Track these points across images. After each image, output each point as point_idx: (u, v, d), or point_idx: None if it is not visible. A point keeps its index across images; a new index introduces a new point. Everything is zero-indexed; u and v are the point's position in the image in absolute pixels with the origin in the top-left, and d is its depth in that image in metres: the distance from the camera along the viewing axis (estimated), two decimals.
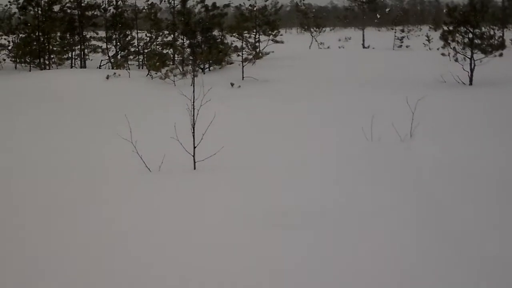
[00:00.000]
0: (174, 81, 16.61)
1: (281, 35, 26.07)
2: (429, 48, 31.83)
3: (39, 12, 20.65)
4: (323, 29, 44.63)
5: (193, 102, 7.98)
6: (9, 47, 21.16)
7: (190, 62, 19.70)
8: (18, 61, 21.04)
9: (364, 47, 36.20)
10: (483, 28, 17.97)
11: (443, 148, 8.73)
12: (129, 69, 19.77)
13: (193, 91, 7.94)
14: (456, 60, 17.14)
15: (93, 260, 4.89)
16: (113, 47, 22.65)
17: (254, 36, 24.86)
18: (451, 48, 17.53)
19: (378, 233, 5.42)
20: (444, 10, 19.89)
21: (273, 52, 22.46)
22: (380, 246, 5.12)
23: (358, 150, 8.74)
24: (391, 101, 12.80)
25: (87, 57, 22.54)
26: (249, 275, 4.60)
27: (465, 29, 17.03)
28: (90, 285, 4.45)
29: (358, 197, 6.50)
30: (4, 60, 20.99)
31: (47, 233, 5.53)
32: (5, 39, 21.46)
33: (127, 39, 22.66)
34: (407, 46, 34.17)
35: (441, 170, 7.54)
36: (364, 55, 23.42)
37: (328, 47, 35.93)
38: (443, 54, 19.21)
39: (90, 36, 22.62)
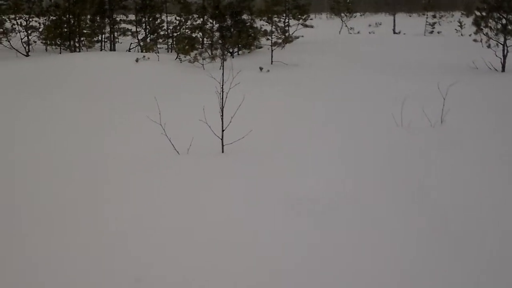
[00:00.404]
0: (203, 65, 16.59)
1: (311, 19, 25.84)
2: (461, 34, 31.40)
3: None
4: (353, 14, 44.24)
5: (222, 85, 7.94)
6: (40, 29, 21.27)
7: (219, 45, 19.65)
8: (48, 43, 21.16)
9: (394, 32, 35.83)
10: None
11: (474, 134, 8.59)
12: (158, 52, 19.73)
13: (222, 74, 7.90)
14: (489, 46, 16.85)
15: (136, 223, 4.92)
16: (142, 30, 22.67)
17: (283, 20, 24.68)
18: (483, 34, 17.24)
19: (407, 218, 5.36)
20: None
21: (302, 36, 22.25)
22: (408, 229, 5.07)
23: (388, 135, 8.64)
24: (422, 87, 12.65)
25: (117, 40, 22.60)
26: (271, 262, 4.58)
27: (498, 14, 16.71)
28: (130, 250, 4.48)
29: (387, 183, 6.43)
30: (35, 42, 21.11)
31: (93, 199, 5.57)
32: (36, 21, 21.58)
33: (156, 22, 22.67)
34: (438, 32, 33.72)
35: (471, 156, 7.42)
36: (395, 41, 23.12)
37: (358, 32, 35.64)
38: (475, 40, 18.92)
39: (120, 19, 22.68)
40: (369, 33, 36.27)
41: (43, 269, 4.51)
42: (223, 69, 8.17)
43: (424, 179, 6.55)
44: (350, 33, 35.62)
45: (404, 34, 33.22)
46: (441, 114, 9.30)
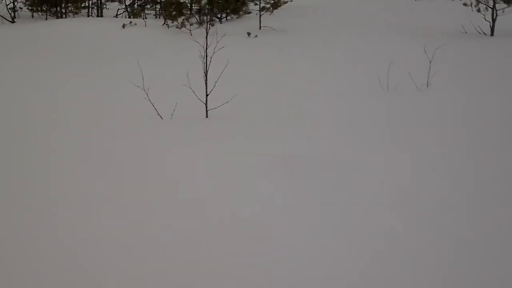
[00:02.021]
0: (190, 31, 16.40)
1: None
2: None
3: None
4: None
5: (206, 49, 7.87)
6: None
7: (207, 11, 19.46)
8: (34, 9, 20.91)
9: None
10: None
11: (459, 97, 8.57)
12: (145, 18, 19.53)
13: (206, 37, 7.83)
14: (478, 10, 16.75)
15: (118, 186, 4.90)
16: None
17: None
18: None
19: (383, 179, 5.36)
20: None
21: (291, 1, 22.05)
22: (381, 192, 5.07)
23: (373, 98, 8.62)
24: (410, 50, 12.59)
25: (104, 6, 22.37)
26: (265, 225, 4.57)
27: None
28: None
29: (370, 146, 6.42)
30: (21, 8, 20.85)
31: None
32: None
33: None
34: None
35: (456, 119, 7.41)
36: (385, 4, 22.87)
37: None
38: (465, 4, 18.80)
39: None
40: None
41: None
42: (207, 32, 8.09)
43: (410, 142, 6.53)
44: None
45: None
46: (427, 77, 9.27)
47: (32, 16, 20.89)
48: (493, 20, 16.10)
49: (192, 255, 4.04)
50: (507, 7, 16.63)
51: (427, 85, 9.13)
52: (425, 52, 10.05)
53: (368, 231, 4.36)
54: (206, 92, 7.83)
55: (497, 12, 16.19)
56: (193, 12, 20.21)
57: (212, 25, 15.25)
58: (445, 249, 4.07)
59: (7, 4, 20.05)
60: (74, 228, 4.47)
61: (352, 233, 4.33)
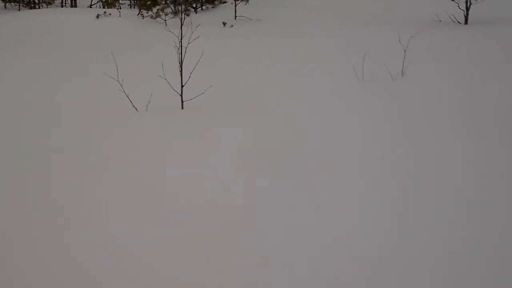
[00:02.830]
0: (165, 21, 16.34)
1: None
2: None
3: None
4: None
5: (181, 39, 7.82)
6: None
7: (182, 0, 19.35)
8: (7, 0, 20.65)
9: None
10: None
11: (434, 85, 8.61)
12: (120, 8, 19.40)
13: (181, 27, 7.78)
14: None
15: (92, 177, 4.86)
16: None
17: None
18: None
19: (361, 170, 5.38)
20: None
21: None
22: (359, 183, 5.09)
23: (347, 88, 8.63)
24: (384, 40, 12.61)
25: None
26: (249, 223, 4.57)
27: None
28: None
29: (345, 136, 6.44)
30: None
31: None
32: None
33: None
34: None
35: (430, 108, 7.45)
36: None
37: None
38: None
39: None
40: None
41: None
42: (181, 22, 8.04)
43: (384, 132, 6.56)
44: None
45: None
46: (402, 67, 9.31)
47: (5, 7, 20.65)
48: (467, 9, 16.19)
49: (161, 249, 4.03)
50: None
51: (402, 74, 9.17)
52: (400, 41, 10.08)
53: (340, 226, 4.38)
54: (182, 83, 7.79)
55: (471, 0, 16.29)
56: (168, 1, 20.10)
57: (188, 15, 15.19)
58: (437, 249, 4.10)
59: None
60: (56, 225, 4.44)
61: (326, 230, 4.35)
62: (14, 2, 20.49)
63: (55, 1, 21.41)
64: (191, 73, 7.88)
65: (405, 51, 9.52)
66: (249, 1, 19.49)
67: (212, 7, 20.11)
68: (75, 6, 21.57)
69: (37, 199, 4.88)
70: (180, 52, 7.84)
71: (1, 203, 4.84)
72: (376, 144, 6.12)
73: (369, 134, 6.45)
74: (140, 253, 3.97)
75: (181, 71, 7.81)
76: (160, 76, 7.96)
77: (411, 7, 19.52)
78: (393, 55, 10.13)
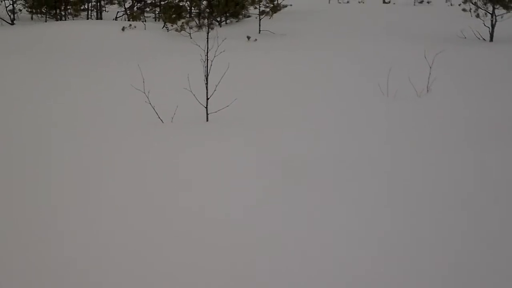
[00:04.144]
0: (190, 34, 16.45)
1: None
2: (451, 4, 31.23)
3: None
4: None
5: (207, 52, 7.87)
6: None
7: (207, 14, 19.49)
8: (34, 11, 20.91)
9: (384, 1, 35.60)
10: None
11: (460, 103, 8.57)
12: (145, 21, 19.56)
13: (207, 41, 7.83)
14: (477, 15, 16.82)
15: (120, 189, 4.89)
16: None
17: None
18: (472, 3, 17.20)
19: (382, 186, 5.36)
20: None
21: (291, 5, 22.14)
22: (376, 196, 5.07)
23: (373, 104, 8.62)
24: (409, 56, 12.61)
25: (104, 8, 22.37)
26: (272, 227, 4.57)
27: None
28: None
29: (371, 150, 6.42)
30: (20, 10, 20.87)
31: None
32: None
33: None
34: (428, 2, 33.52)
35: (456, 125, 7.41)
36: (384, 10, 23.00)
37: (348, 2, 35.41)
38: (464, 10, 18.91)
39: None
40: (359, 2, 36.02)
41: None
42: (207, 36, 8.09)
43: (410, 146, 6.53)
44: (340, 3, 35.37)
45: (394, 3, 33.04)
46: (427, 83, 9.28)
47: (32, 18, 20.92)
48: (492, 26, 16.15)
49: (190, 255, 4.03)
50: (506, 13, 16.68)
51: (427, 91, 9.14)
52: (425, 57, 10.06)
53: (369, 234, 4.36)
54: (207, 95, 7.83)
55: (496, 17, 16.23)
56: (192, 15, 20.26)
57: (212, 28, 15.30)
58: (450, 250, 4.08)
59: (7, 6, 20.04)
60: (75, 230, 4.47)
61: (353, 237, 4.34)
62: (41, 13, 20.74)
63: (81, 14, 21.65)
64: (216, 86, 7.92)
65: (430, 67, 9.50)
66: (273, 16, 19.59)
67: (236, 21, 20.24)
68: (101, 18, 21.79)
69: (70, 202, 4.93)
70: (206, 65, 7.89)
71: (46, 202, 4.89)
72: (403, 161, 6.10)
73: (395, 150, 6.43)
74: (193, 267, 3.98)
75: (206, 84, 7.85)
76: (186, 89, 8.00)
77: (435, 22, 19.52)
78: (417, 71, 10.12)
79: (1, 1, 20.27)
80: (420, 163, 5.99)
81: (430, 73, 9.38)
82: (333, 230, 4.47)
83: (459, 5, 20.40)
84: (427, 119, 7.76)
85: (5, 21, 19.20)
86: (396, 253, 4.12)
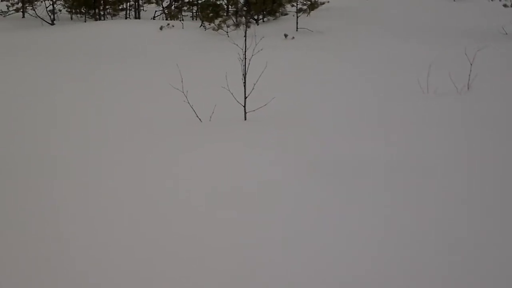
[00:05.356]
0: (227, 32, 16.47)
1: None
2: (491, 0, 30.72)
3: None
4: None
5: (245, 51, 7.87)
6: None
7: (244, 13, 19.49)
8: (73, 11, 21.16)
9: None
10: None
11: (502, 100, 8.41)
12: (182, 20, 19.65)
13: (245, 40, 7.82)
14: None
15: (160, 187, 4.93)
16: None
17: None
18: None
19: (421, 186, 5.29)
20: None
21: (328, 2, 21.95)
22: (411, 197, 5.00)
23: (412, 101, 8.52)
24: (448, 53, 12.43)
25: (141, 8, 22.52)
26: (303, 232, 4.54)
27: None
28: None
29: (415, 149, 6.34)
30: (60, 11, 21.14)
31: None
32: None
33: None
34: None
35: (498, 123, 7.27)
36: (424, 5, 22.66)
37: None
38: (505, 6, 18.56)
39: None
40: None
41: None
42: (245, 35, 8.08)
43: (457, 142, 6.44)
44: None
45: None
46: (468, 80, 9.13)
47: (71, 18, 21.16)
48: None
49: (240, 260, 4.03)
50: None
51: (468, 88, 8.99)
52: (466, 54, 9.89)
53: (414, 234, 4.31)
54: (245, 94, 7.83)
55: None
56: (229, 13, 20.28)
57: (249, 27, 15.28)
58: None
59: (47, 6, 20.31)
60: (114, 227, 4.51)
61: (393, 237, 4.29)
62: (80, 13, 20.98)
63: (119, 13, 21.83)
64: (254, 84, 7.90)
65: (471, 64, 9.34)
66: (311, 13, 19.49)
67: (274, 19, 20.18)
68: (139, 18, 21.94)
69: (103, 201, 4.97)
70: (244, 64, 7.88)
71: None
72: (444, 157, 6.01)
73: (435, 147, 6.34)
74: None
75: (244, 82, 7.85)
76: (224, 87, 8.01)
77: (476, 19, 19.20)
78: (458, 68, 9.95)
79: (41, 2, 20.54)
80: (466, 163, 5.90)
81: (471, 70, 9.22)
82: (373, 232, 4.43)
83: (500, 0, 20.04)
84: (469, 115, 7.63)
85: (46, 21, 19.46)
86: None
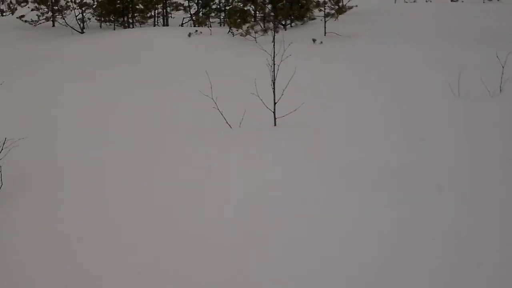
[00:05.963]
0: (255, 38, 16.48)
1: None
2: None
3: None
4: None
5: (273, 57, 7.86)
6: (94, 6, 21.48)
7: (271, 18, 19.49)
8: (102, 20, 21.36)
9: (452, 0, 34.91)
10: None
11: None
12: (210, 26, 19.72)
13: (273, 46, 7.81)
14: None
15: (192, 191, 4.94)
16: (194, 4, 22.65)
17: None
18: None
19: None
20: None
21: (356, 6, 21.88)
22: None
23: (444, 104, 8.43)
24: (479, 56, 12.29)
25: (170, 15, 22.65)
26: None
27: None
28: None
29: (450, 154, 6.28)
30: (89, 19, 21.34)
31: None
32: None
33: None
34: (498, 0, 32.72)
35: None
36: (453, 9, 22.49)
37: (415, 1, 34.87)
38: None
39: None
40: (426, 1, 35.40)
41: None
42: (274, 41, 8.07)
43: (493, 147, 6.37)
44: (406, 2, 34.83)
45: (462, 1, 32.35)
46: (500, 83, 9.02)
47: (100, 26, 21.36)
48: None
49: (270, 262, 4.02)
50: None
51: (500, 91, 8.88)
52: (497, 56, 9.76)
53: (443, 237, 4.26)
54: (274, 100, 7.81)
55: None
56: (257, 19, 20.30)
57: (277, 32, 15.26)
58: None
59: (76, 15, 20.54)
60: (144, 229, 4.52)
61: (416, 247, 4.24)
62: (109, 21, 21.18)
63: (148, 21, 21.98)
64: (283, 90, 7.88)
65: (503, 67, 9.23)
66: (339, 18, 19.43)
67: (301, 24, 20.15)
68: (167, 25, 22.07)
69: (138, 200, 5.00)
70: (272, 70, 7.87)
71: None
72: (476, 162, 5.94)
73: (467, 152, 6.27)
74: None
75: (273, 88, 7.84)
76: (253, 93, 8.01)
77: (505, 21, 18.98)
78: (489, 71, 9.84)
79: (71, 11, 20.76)
80: (493, 167, 5.82)
81: (503, 73, 9.11)
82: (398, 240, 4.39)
83: None
84: (500, 118, 7.53)
85: (75, 29, 19.67)
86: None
